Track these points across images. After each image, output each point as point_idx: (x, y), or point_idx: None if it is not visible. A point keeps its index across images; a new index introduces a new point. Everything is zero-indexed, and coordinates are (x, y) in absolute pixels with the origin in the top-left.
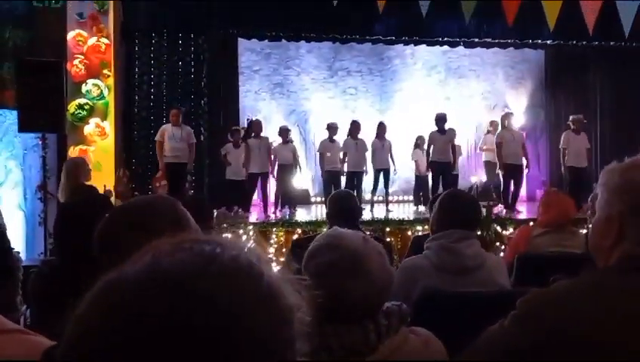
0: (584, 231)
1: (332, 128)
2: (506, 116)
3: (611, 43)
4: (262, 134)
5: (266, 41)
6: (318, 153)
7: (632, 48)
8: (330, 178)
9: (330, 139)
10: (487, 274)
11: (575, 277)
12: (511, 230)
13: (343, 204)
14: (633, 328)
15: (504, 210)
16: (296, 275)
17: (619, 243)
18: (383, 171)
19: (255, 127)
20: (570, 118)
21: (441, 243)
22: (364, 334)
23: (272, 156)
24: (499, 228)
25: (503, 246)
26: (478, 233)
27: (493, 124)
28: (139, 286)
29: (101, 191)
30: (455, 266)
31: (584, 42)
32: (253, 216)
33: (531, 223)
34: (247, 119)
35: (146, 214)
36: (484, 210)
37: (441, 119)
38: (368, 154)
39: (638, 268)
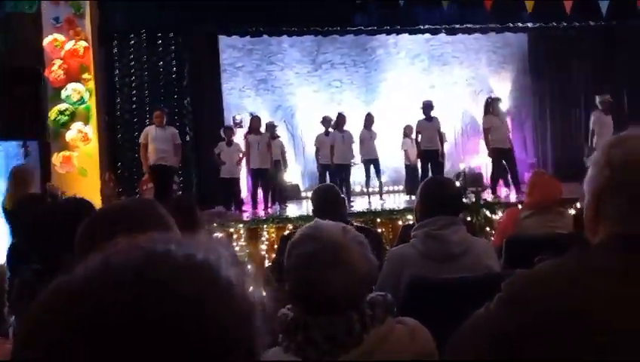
0: (572, 211)
1: (327, 121)
2: (493, 101)
3: (591, 23)
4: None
5: (248, 37)
6: (315, 147)
7: (610, 27)
8: (324, 171)
9: (326, 133)
10: (475, 259)
11: (560, 257)
12: (500, 214)
13: (326, 198)
14: (616, 307)
15: (498, 194)
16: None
17: (601, 221)
18: (372, 162)
19: (254, 123)
20: (598, 98)
21: (427, 230)
22: (349, 325)
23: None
24: (488, 213)
25: (493, 231)
26: (468, 219)
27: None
28: (87, 286)
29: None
30: (441, 253)
31: (564, 23)
32: (248, 214)
33: (519, 206)
34: (234, 117)
35: (125, 217)
36: (473, 196)
37: (427, 106)
38: (355, 146)
39: (621, 248)
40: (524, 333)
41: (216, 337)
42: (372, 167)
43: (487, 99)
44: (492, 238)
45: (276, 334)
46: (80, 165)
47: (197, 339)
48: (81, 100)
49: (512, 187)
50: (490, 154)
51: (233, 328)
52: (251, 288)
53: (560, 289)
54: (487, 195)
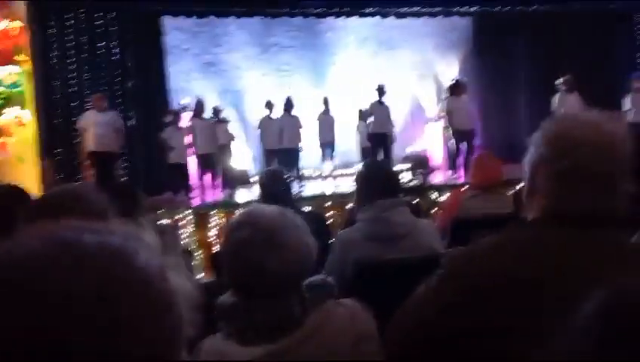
0: (511, 192)
1: (270, 105)
2: (458, 84)
3: (533, 7)
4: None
5: (194, 18)
6: (258, 130)
7: (551, 11)
8: (270, 155)
9: (269, 116)
10: (419, 240)
11: (496, 234)
12: (447, 196)
13: (272, 182)
14: (548, 280)
15: (452, 175)
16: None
17: (534, 196)
18: (328, 145)
19: (198, 107)
20: (559, 80)
21: (371, 213)
22: (289, 309)
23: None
24: (435, 195)
25: (439, 214)
26: (415, 201)
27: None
28: None
29: None
30: (386, 234)
31: (508, 7)
32: (196, 200)
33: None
34: (178, 102)
35: (57, 205)
36: (420, 178)
37: (380, 90)
38: (303, 131)
39: (551, 222)
40: (465, 305)
41: (127, 334)
42: (328, 150)
43: (451, 82)
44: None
45: (215, 321)
46: (17, 152)
47: (105, 336)
48: (16, 84)
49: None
50: (452, 136)
51: (148, 322)
52: (175, 278)
53: (497, 262)
54: (434, 177)
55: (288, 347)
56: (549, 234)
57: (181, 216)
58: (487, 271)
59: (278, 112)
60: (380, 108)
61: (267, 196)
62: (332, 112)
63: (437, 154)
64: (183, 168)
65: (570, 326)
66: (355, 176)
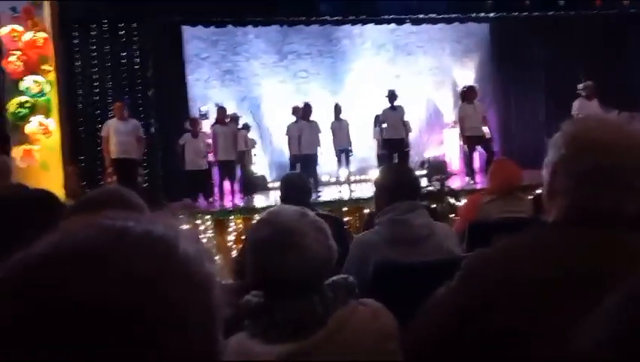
0: (530, 196)
1: (297, 111)
2: (469, 90)
3: (549, 13)
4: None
5: (212, 27)
6: (286, 137)
7: (568, 16)
8: (297, 161)
9: (296, 122)
10: (438, 243)
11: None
12: (464, 201)
13: (292, 185)
14: (569, 280)
15: (471, 182)
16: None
17: (554, 198)
18: (344, 151)
19: (220, 114)
20: (580, 85)
21: (391, 216)
22: (311, 308)
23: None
24: (452, 201)
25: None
26: (433, 206)
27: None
28: (42, 265)
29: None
30: (405, 237)
31: (525, 13)
32: (215, 206)
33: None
34: (199, 109)
35: (100, 203)
36: (437, 184)
37: (392, 95)
38: (322, 136)
39: (571, 223)
40: (485, 308)
41: (173, 314)
42: (343, 156)
43: (462, 88)
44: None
45: (241, 320)
46: (42, 159)
47: (153, 317)
48: (42, 92)
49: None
50: (465, 142)
51: (191, 304)
52: (211, 263)
53: (518, 263)
54: (452, 183)
55: (312, 346)
56: (570, 235)
57: (200, 221)
58: (508, 273)
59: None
60: (392, 114)
61: (286, 199)
62: (345, 118)
63: (455, 160)
64: (200, 174)
65: (597, 319)
66: (374, 181)
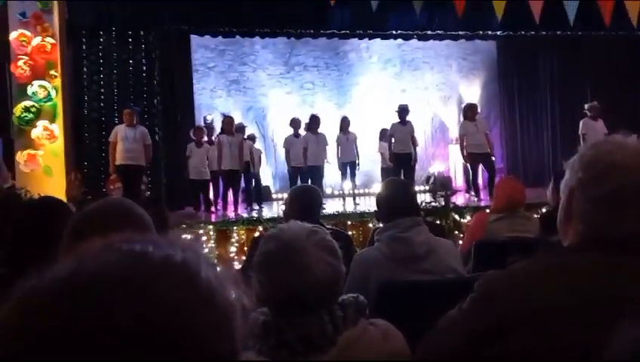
0: (537, 216)
1: (296, 123)
2: (469, 108)
3: (558, 32)
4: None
5: (220, 37)
6: (283, 149)
7: (576, 37)
8: (295, 173)
9: (295, 134)
10: (439, 260)
11: (530, 258)
12: (469, 218)
13: (304, 199)
14: (586, 306)
15: (475, 199)
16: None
17: (571, 221)
18: (349, 164)
19: (227, 124)
20: (586, 106)
21: (391, 233)
22: (321, 326)
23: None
24: (457, 217)
25: (462, 235)
26: (437, 222)
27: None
28: (59, 291)
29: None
30: (406, 254)
31: (532, 32)
32: (218, 216)
33: (487, 210)
34: (204, 118)
35: (114, 215)
36: (442, 200)
37: (403, 110)
38: (329, 148)
39: (589, 248)
40: (498, 331)
41: (196, 344)
42: (348, 168)
43: (464, 106)
44: (460, 242)
45: (248, 338)
46: (45, 164)
47: (176, 346)
48: (48, 97)
49: (487, 191)
50: (466, 160)
51: (214, 333)
52: (231, 288)
53: (534, 287)
54: (456, 199)
55: None
56: (587, 259)
57: (202, 231)
58: (524, 297)
59: (303, 131)
60: (401, 129)
61: (296, 213)
62: (352, 131)
63: (459, 176)
64: (203, 184)
65: (615, 345)
66: (376, 196)
